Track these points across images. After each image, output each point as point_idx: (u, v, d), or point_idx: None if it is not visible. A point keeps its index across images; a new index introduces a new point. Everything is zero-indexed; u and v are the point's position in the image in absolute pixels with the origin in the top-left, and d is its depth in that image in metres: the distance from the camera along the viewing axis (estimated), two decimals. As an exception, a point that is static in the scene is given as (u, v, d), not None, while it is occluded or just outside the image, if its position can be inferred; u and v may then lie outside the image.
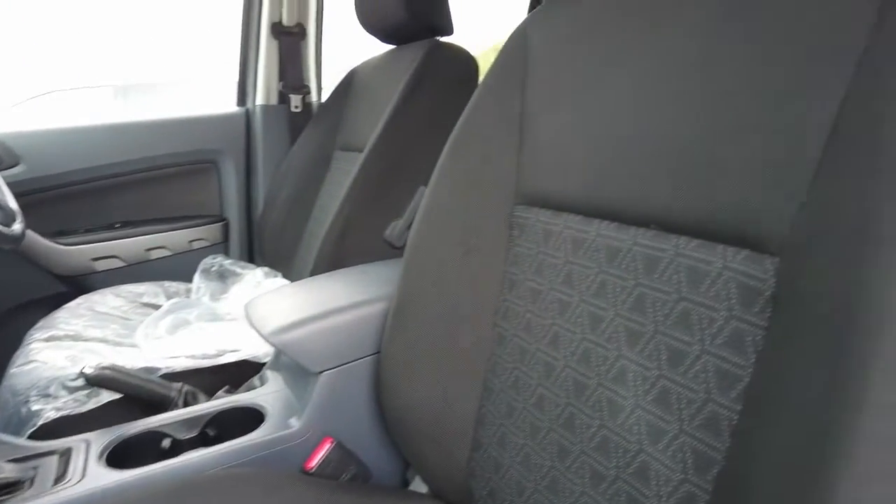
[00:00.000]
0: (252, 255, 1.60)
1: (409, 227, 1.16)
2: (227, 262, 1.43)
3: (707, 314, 0.45)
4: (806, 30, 0.41)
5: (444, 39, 1.27)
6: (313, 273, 1.15)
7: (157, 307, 1.29)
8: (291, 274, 1.38)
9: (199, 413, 0.80)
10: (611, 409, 0.52)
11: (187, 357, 0.92)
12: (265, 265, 1.45)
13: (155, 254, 1.48)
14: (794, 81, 0.41)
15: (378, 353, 0.77)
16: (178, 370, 0.91)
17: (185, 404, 0.85)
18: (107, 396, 0.83)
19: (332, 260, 1.12)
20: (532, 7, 1.95)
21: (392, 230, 1.13)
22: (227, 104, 1.62)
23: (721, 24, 0.48)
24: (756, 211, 0.42)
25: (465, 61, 1.19)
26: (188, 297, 1.41)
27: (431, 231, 0.73)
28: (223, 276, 1.43)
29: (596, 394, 0.53)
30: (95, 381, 0.81)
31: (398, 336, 0.73)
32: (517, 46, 0.69)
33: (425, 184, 0.75)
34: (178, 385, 0.87)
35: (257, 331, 0.76)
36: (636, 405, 0.49)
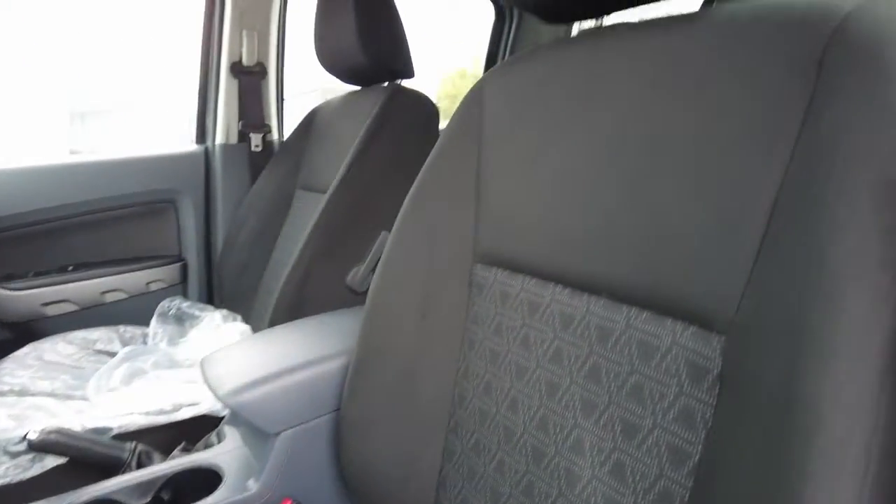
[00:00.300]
0: (212, 297, 1.56)
1: (370, 272, 1.15)
2: (185, 305, 1.40)
3: (658, 388, 0.45)
4: (743, 116, 0.43)
5: (405, 83, 1.28)
6: (273, 319, 1.13)
7: (111, 354, 1.25)
8: (251, 316, 1.36)
9: (152, 476, 0.77)
10: (568, 479, 0.52)
11: (142, 414, 0.89)
12: (225, 307, 1.42)
13: (110, 297, 1.44)
14: (734, 165, 0.43)
15: (337, 410, 0.76)
16: (132, 429, 0.88)
17: (139, 465, 0.82)
18: (52, 461, 0.80)
19: (293, 305, 1.10)
20: (488, 64, 2.00)
21: (354, 276, 1.13)
22: (185, 140, 1.60)
23: (664, 105, 0.49)
24: (702, 288, 0.43)
25: (425, 107, 1.21)
26: (144, 341, 1.37)
27: (390, 287, 0.72)
28: (181, 320, 1.39)
29: (554, 462, 0.53)
30: (40, 447, 0.78)
31: (357, 394, 0.72)
32: (473, 104, 0.70)
33: (387, 228, 0.75)
34: (130, 445, 0.84)
35: (212, 391, 0.74)
36: (593, 476, 0.50)
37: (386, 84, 1.29)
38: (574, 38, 0.63)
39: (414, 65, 1.27)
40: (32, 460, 0.79)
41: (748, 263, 0.40)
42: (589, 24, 0.70)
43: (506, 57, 1.97)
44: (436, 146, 0.73)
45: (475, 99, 0.70)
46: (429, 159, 0.73)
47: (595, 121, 0.55)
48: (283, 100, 1.63)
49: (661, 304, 0.46)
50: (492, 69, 0.72)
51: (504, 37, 1.81)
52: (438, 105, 1.27)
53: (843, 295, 0.34)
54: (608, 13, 0.62)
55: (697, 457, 0.42)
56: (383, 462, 0.71)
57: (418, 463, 0.69)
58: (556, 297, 0.56)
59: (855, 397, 0.33)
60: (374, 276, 0.74)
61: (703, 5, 0.61)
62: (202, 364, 0.81)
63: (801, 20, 0.41)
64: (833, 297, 0.34)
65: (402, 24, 1.26)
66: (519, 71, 0.67)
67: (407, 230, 0.73)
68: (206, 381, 0.76)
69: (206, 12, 1.50)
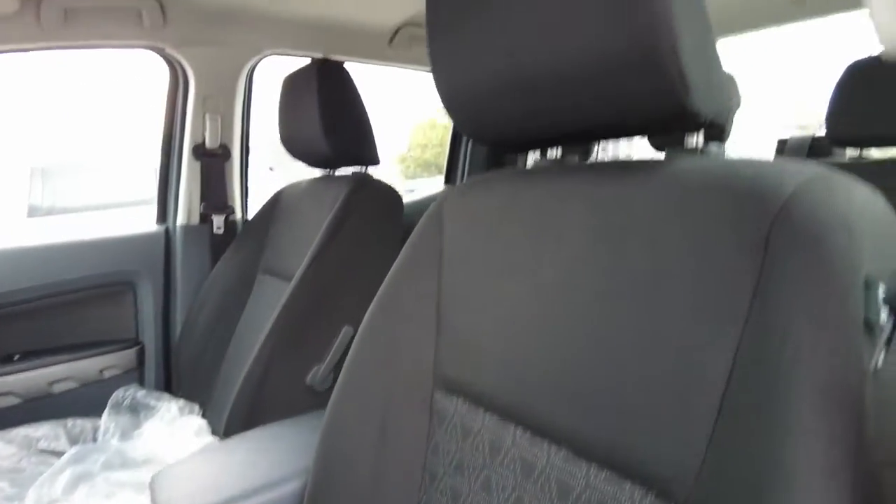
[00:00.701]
0: (170, 383, 1.50)
1: (331, 371, 1.13)
2: (140, 394, 1.34)
3: None
4: (694, 282, 0.43)
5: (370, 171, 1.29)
6: (230, 418, 1.09)
7: (57, 454, 1.19)
8: (210, 407, 1.31)
9: None
10: None
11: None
12: (182, 394, 1.37)
13: (58, 387, 1.37)
14: (688, 330, 0.43)
15: None
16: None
17: None
18: None
19: (252, 405, 1.06)
20: (447, 178, 2.07)
21: (314, 376, 1.10)
22: (145, 223, 1.56)
23: (617, 257, 0.49)
24: (661, 454, 0.43)
25: (389, 198, 1.21)
26: (95, 437, 1.30)
27: (349, 409, 0.70)
28: (135, 410, 1.33)
29: None
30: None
31: None
32: (433, 224, 0.70)
33: (349, 323, 0.73)
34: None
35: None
36: None
37: (352, 172, 1.29)
38: (532, 169, 0.64)
39: (377, 151, 1.28)
40: None
41: (705, 434, 0.40)
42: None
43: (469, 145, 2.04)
44: (398, 261, 0.72)
45: (435, 217, 0.70)
46: (391, 273, 0.72)
47: (549, 261, 0.55)
48: (247, 180, 1.62)
49: (621, 465, 0.45)
50: (451, 188, 0.72)
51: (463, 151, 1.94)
52: (410, 153, 1.28)
53: (793, 494, 0.34)
54: (562, 146, 0.64)
55: None
56: None
57: None
58: (516, 440, 0.55)
59: None
60: (335, 390, 0.72)
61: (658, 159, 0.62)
62: (152, 484, 0.77)
63: (749, 194, 0.42)
64: (785, 491, 0.34)
65: (365, 111, 1.28)
66: (476, 195, 0.67)
67: (368, 344, 0.71)
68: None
69: (168, 95, 1.50)
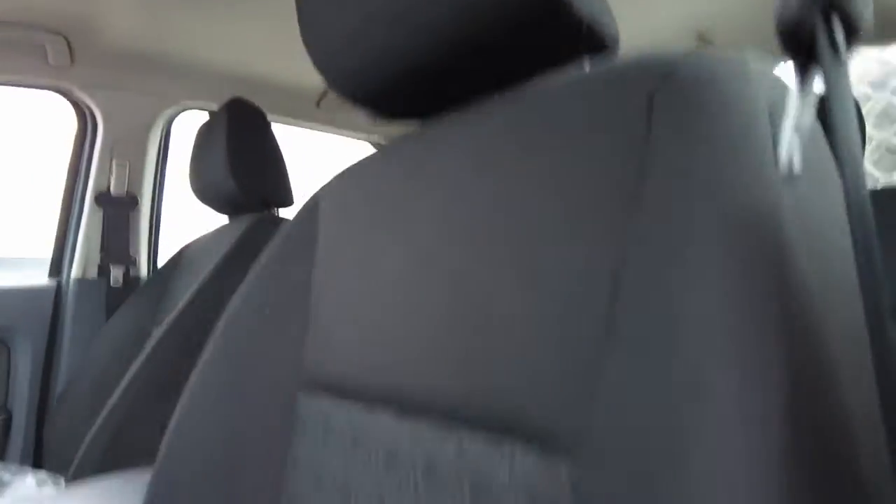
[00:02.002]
0: (40, 459, 1.30)
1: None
2: (-4, 468, 1.14)
3: None
4: (569, 188, 0.36)
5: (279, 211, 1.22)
6: (79, 465, 0.91)
7: None
8: (78, 471, 1.12)
9: None
10: None
11: None
12: (54, 463, 1.17)
13: None
14: (565, 247, 0.35)
15: None
16: None
17: None
18: None
19: (106, 451, 0.90)
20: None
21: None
22: (33, 277, 1.42)
23: (485, 190, 0.42)
24: (543, 403, 0.33)
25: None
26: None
27: (189, 436, 0.58)
28: (-15, 486, 1.12)
29: None
30: None
31: None
32: (308, 218, 0.62)
33: None
34: None
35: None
36: None
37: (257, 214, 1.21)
38: (404, 137, 0.57)
39: (291, 192, 1.22)
40: None
41: (592, 367, 0.31)
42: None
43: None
44: (258, 264, 0.63)
45: (309, 213, 0.62)
46: (249, 278, 0.63)
47: (419, 220, 0.47)
48: (157, 232, 1.52)
49: (498, 423, 0.35)
50: (329, 180, 0.65)
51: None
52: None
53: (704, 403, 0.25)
54: (444, 108, 0.58)
55: None
56: None
57: None
58: (380, 424, 0.44)
59: None
60: (171, 423, 0.59)
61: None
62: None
63: (623, 75, 0.36)
64: (697, 401, 0.26)
65: (279, 153, 1.22)
66: (355, 175, 0.60)
67: (216, 360, 0.60)
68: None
69: (76, 138, 1.41)
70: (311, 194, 0.64)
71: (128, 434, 0.92)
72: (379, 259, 0.50)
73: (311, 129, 1.73)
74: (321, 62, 0.55)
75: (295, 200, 1.26)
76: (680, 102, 0.32)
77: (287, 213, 1.25)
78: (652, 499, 0.26)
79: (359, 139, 1.86)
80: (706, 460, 0.25)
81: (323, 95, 1.63)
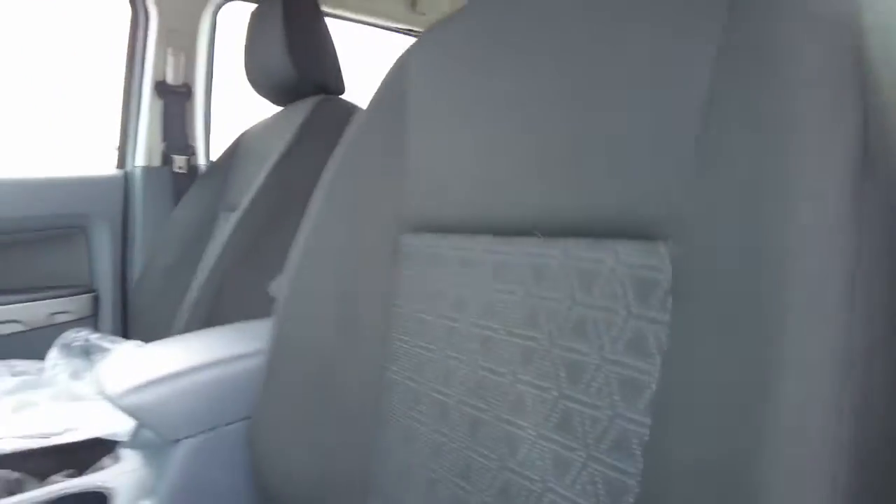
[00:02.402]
0: (126, 329, 1.43)
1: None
2: (94, 337, 1.27)
3: (604, 317, 0.40)
4: (666, 23, 0.40)
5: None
6: (186, 326, 1.03)
7: (-2, 390, 1.11)
8: (168, 346, 1.24)
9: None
10: (510, 445, 0.45)
11: (17, 438, 0.76)
12: (140, 339, 1.30)
13: (5, 328, 1.28)
14: (663, 70, 0.40)
15: (249, 417, 0.67)
16: (6, 452, 0.75)
17: (10, 493, 0.70)
18: None
19: (207, 320, 1.00)
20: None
21: (278, 284, 1.04)
22: (104, 166, 1.50)
23: (598, 27, 0.46)
24: (643, 198, 0.39)
25: (352, 113, 1.17)
26: (39, 376, 1.22)
27: (307, 278, 0.66)
28: (88, 352, 1.25)
29: (493, 430, 0.47)
30: None
31: (271, 396, 0.64)
32: (396, 78, 0.66)
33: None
34: (2, 473, 0.71)
35: (103, 393, 0.64)
36: (538, 435, 0.43)
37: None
38: None
39: (343, 79, 1.25)
40: None
41: (689, 164, 0.37)
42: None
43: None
44: (351, 130, 0.69)
45: (397, 75, 0.66)
46: (344, 144, 0.68)
47: (526, 56, 0.52)
48: (210, 121, 1.57)
49: (601, 228, 0.42)
50: (416, 40, 0.69)
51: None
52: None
53: (799, 176, 0.31)
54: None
55: (654, 387, 0.37)
56: (302, 470, 0.62)
57: (343, 464, 0.60)
58: (487, 247, 0.51)
59: (822, 297, 0.29)
60: (288, 269, 0.67)
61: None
62: (97, 368, 0.71)
63: None
64: (788, 176, 0.31)
65: (331, 39, 1.24)
66: (447, 31, 0.64)
67: (323, 215, 0.67)
68: (98, 380, 0.66)
69: (130, 29, 1.44)
70: (401, 55, 0.68)
71: (225, 297, 1.02)
72: (481, 96, 0.55)
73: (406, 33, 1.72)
74: None
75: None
76: None
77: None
78: (744, 270, 0.32)
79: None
80: (789, 252, 0.30)
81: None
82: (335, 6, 1.59)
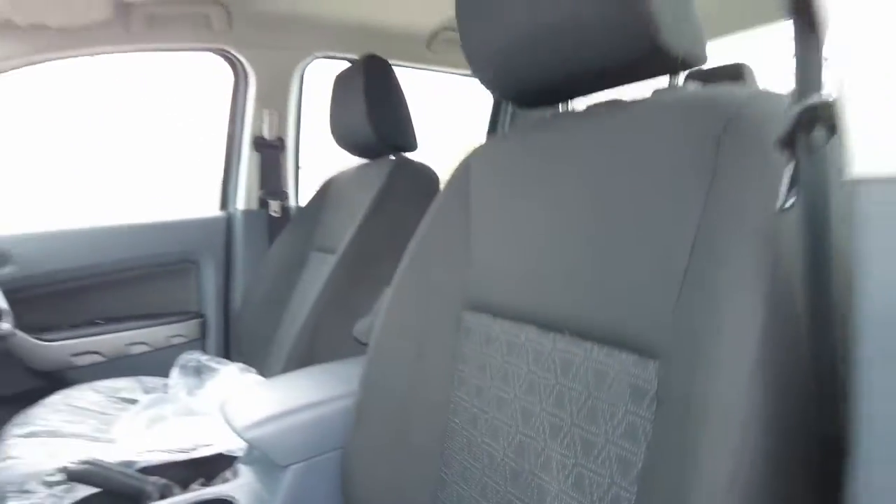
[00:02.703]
0: (228, 351, 1.67)
1: (374, 322, 1.26)
2: (204, 359, 1.50)
3: (609, 409, 0.55)
4: (664, 180, 0.55)
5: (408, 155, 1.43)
6: (286, 367, 1.23)
7: (134, 402, 1.35)
8: (265, 369, 1.45)
9: (174, 506, 0.85)
10: (539, 494, 0.61)
11: (164, 451, 0.98)
12: (241, 360, 1.52)
13: (135, 349, 1.54)
14: (660, 220, 0.54)
15: (342, 448, 0.85)
16: (154, 464, 0.96)
17: (161, 497, 0.91)
18: (83, 491, 0.88)
19: (304, 355, 1.20)
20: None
21: (360, 327, 1.23)
22: (209, 208, 1.75)
23: (611, 173, 0.61)
24: (642, 322, 0.54)
25: (427, 176, 1.35)
26: (165, 391, 1.46)
27: (390, 335, 0.83)
28: (200, 372, 1.49)
29: (528, 481, 0.62)
30: (76, 476, 0.87)
31: (360, 431, 0.82)
32: (462, 175, 0.82)
33: (390, 286, 0.86)
34: (153, 479, 0.93)
35: (230, 426, 0.84)
36: (559, 490, 0.59)
37: (392, 157, 1.44)
38: (544, 120, 0.76)
39: (416, 138, 1.42)
40: (66, 490, 0.88)
41: (673, 298, 0.51)
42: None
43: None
44: (430, 212, 0.85)
45: (463, 171, 0.83)
46: (424, 223, 0.85)
47: (560, 189, 0.67)
48: (298, 170, 1.79)
49: (613, 339, 0.57)
50: (477, 147, 0.85)
51: (501, 117, 2.01)
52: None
53: (720, 308, 0.45)
54: (571, 99, 0.76)
55: (640, 465, 0.51)
56: (381, 493, 0.79)
57: (415, 492, 0.77)
58: (528, 336, 0.66)
59: (733, 394, 0.43)
60: (376, 325, 0.84)
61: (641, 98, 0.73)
62: (222, 404, 0.91)
63: (705, 106, 0.53)
64: (716, 311, 0.45)
65: (406, 103, 1.42)
66: (499, 148, 0.80)
67: (405, 284, 0.84)
68: (225, 416, 0.86)
69: (232, 94, 1.68)
70: (463, 159, 0.84)
71: (320, 337, 1.21)
72: (524, 213, 0.71)
73: (422, 69, 1.90)
74: (480, 71, 0.74)
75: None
76: (742, 145, 0.49)
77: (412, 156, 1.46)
78: (693, 385, 0.46)
79: (465, 76, 2.01)
80: (714, 367, 0.44)
81: (432, 38, 1.79)
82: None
